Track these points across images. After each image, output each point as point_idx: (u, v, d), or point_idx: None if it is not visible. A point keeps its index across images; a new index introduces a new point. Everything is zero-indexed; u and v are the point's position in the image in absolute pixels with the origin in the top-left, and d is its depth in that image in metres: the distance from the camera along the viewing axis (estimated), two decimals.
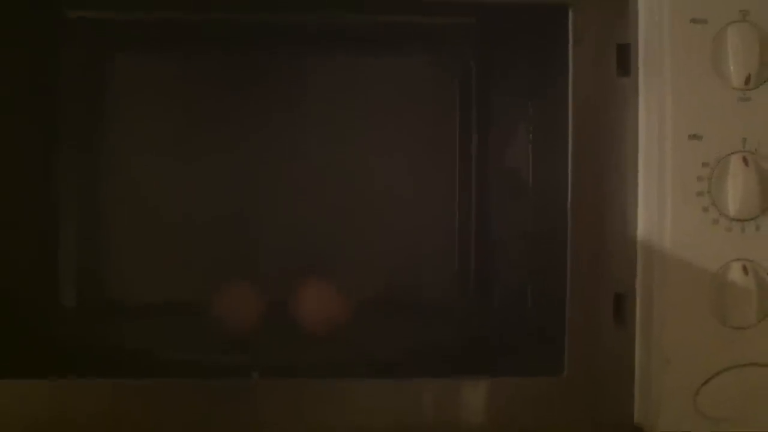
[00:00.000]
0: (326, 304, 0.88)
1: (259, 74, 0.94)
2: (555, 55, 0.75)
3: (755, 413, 0.71)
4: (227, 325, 0.85)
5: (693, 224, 0.71)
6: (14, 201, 0.83)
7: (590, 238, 0.73)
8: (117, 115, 0.94)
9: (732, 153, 0.70)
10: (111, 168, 0.94)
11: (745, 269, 0.70)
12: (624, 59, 0.73)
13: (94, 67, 0.94)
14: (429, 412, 0.74)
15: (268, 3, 0.83)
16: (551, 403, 0.74)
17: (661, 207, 0.71)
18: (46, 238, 0.90)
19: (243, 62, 0.94)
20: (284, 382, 0.74)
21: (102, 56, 0.93)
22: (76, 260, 0.92)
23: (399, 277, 0.94)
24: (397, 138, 0.95)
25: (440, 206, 0.96)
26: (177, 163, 0.94)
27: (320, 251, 0.93)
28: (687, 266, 0.71)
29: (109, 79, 0.94)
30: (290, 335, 0.85)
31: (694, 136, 0.70)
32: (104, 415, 0.72)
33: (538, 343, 0.79)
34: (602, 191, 0.73)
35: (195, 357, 0.79)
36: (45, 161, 0.90)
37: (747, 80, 0.69)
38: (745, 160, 0.69)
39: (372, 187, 0.94)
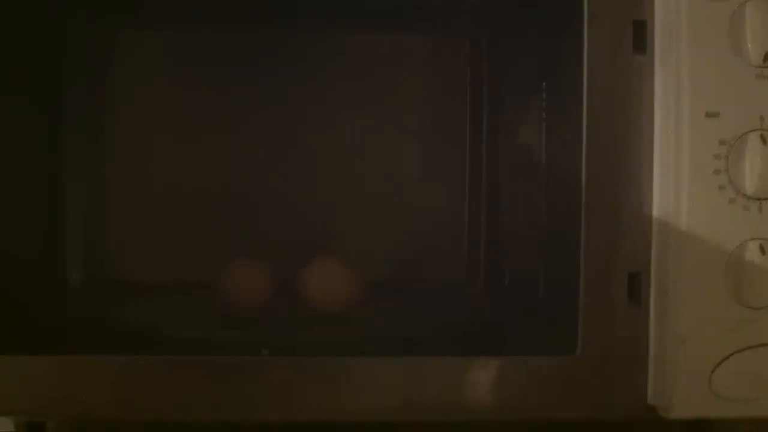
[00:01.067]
0: (335, 284, 0.87)
1: (266, 52, 0.94)
2: (569, 33, 0.74)
3: None
4: (235, 303, 0.85)
5: (709, 203, 0.70)
6: (21, 182, 0.82)
7: (604, 217, 0.72)
8: (123, 93, 0.94)
9: (750, 131, 0.69)
10: (117, 147, 0.94)
11: (762, 249, 0.69)
12: (640, 36, 0.72)
13: (99, 45, 0.94)
14: (438, 391, 0.73)
15: None
16: (563, 383, 0.73)
17: (677, 185, 0.70)
18: (53, 218, 0.89)
19: (249, 40, 0.94)
20: (292, 359, 0.73)
21: (107, 33, 0.93)
22: (83, 239, 0.92)
23: (408, 258, 0.94)
24: (407, 118, 0.95)
25: (450, 187, 0.96)
26: (183, 141, 0.94)
27: (329, 231, 0.93)
28: (703, 245, 0.70)
29: (114, 56, 0.94)
30: (298, 314, 0.85)
31: (711, 114, 0.69)
32: (110, 392, 0.72)
33: (550, 324, 0.78)
34: (617, 170, 0.72)
35: (203, 334, 0.79)
36: (51, 141, 0.89)
37: (765, 57, 0.69)
38: (763, 138, 0.69)
39: (382, 167, 0.94)
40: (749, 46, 0.69)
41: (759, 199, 0.69)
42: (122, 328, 0.81)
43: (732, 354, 0.70)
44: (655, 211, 0.72)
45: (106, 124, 0.94)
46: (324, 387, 0.73)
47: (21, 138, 0.82)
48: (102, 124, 0.93)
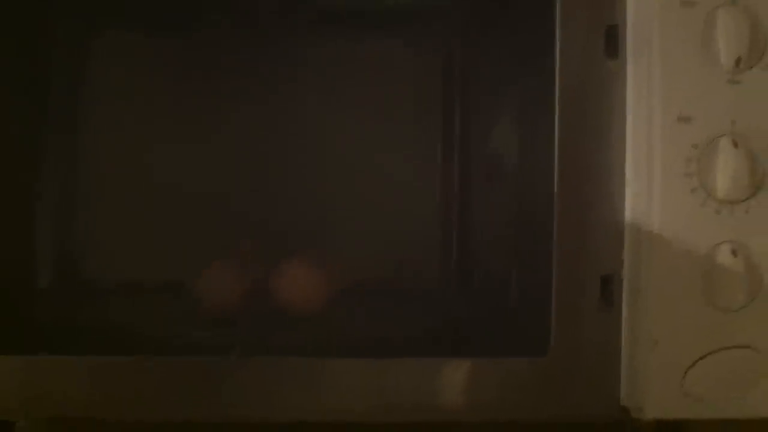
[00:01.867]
0: (307, 285, 0.87)
1: (243, 55, 0.93)
2: (541, 37, 0.74)
3: (743, 396, 0.71)
4: (208, 304, 0.84)
5: (681, 206, 0.70)
6: None
7: (576, 220, 0.73)
8: (101, 92, 0.92)
9: (721, 135, 0.70)
10: (91, 146, 0.93)
11: (734, 252, 0.70)
12: (612, 41, 0.72)
13: (78, 43, 0.92)
14: (410, 392, 0.73)
15: None
16: (535, 385, 0.73)
17: (649, 189, 0.71)
18: (23, 218, 0.88)
19: (227, 41, 0.93)
20: (267, 360, 0.73)
21: (85, 32, 0.92)
22: (54, 239, 0.91)
23: (383, 261, 0.94)
24: (381, 121, 0.94)
25: (423, 190, 0.96)
26: (157, 141, 0.93)
27: (302, 232, 0.92)
28: (675, 248, 0.70)
29: (91, 55, 0.93)
30: (271, 315, 0.85)
31: (683, 119, 0.70)
32: (82, 392, 0.72)
33: (523, 327, 0.78)
34: (589, 173, 0.73)
35: (175, 335, 0.78)
36: (24, 140, 0.88)
37: (737, 62, 0.69)
38: (734, 143, 0.69)
39: (356, 170, 0.93)
40: (721, 51, 0.70)
41: (730, 203, 0.70)
42: (95, 329, 0.80)
43: (704, 356, 0.70)
44: (628, 215, 0.72)
45: (79, 123, 0.92)
46: (299, 387, 0.73)
47: None
48: (77, 123, 0.92)
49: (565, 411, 0.73)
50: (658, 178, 0.71)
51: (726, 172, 0.69)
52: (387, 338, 0.79)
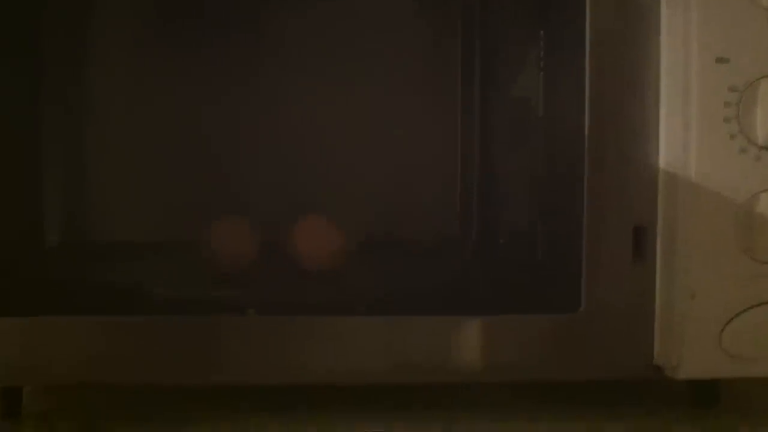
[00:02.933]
0: (324, 242, 0.84)
1: (252, 8, 0.89)
2: None
3: None
4: (220, 263, 0.81)
5: (719, 153, 0.67)
6: None
7: (608, 168, 0.69)
8: (103, 53, 0.89)
9: (762, 77, 0.66)
10: (96, 105, 0.89)
11: None
12: None
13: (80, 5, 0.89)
14: (431, 352, 0.71)
15: None
16: (566, 341, 0.70)
17: (685, 135, 0.67)
18: (30, 178, 0.85)
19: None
20: (278, 319, 0.70)
21: None
22: (61, 200, 0.88)
23: (400, 215, 0.91)
24: (397, 69, 0.91)
25: (442, 141, 0.92)
26: (166, 98, 0.89)
27: (318, 189, 0.89)
28: (712, 197, 0.67)
29: (95, 17, 0.89)
30: (286, 272, 0.82)
31: (721, 59, 0.66)
32: (90, 355, 0.69)
33: (551, 282, 0.75)
34: (622, 119, 0.69)
35: (188, 294, 0.76)
36: (27, 101, 0.84)
37: None
38: None
39: (370, 121, 0.90)
40: None
41: None
42: (103, 290, 0.77)
43: (744, 310, 0.67)
44: (662, 163, 0.68)
45: (85, 83, 0.89)
46: (311, 346, 0.70)
47: None
48: (80, 83, 0.89)
49: (595, 370, 0.70)
50: (694, 123, 0.67)
51: (767, 116, 0.65)
52: (407, 296, 0.76)
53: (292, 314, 0.71)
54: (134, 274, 0.81)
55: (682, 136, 0.67)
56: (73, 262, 0.86)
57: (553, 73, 0.77)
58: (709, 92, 0.66)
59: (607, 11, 0.69)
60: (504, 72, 0.86)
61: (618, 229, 0.69)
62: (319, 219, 0.84)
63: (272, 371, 0.70)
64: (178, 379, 0.70)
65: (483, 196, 0.90)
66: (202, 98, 0.89)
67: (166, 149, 0.90)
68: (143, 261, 0.85)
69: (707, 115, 0.67)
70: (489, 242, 0.88)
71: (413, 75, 0.91)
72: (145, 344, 0.69)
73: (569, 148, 0.71)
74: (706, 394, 0.73)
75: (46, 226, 0.87)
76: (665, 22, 0.68)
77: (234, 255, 0.82)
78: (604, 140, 0.69)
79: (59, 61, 0.87)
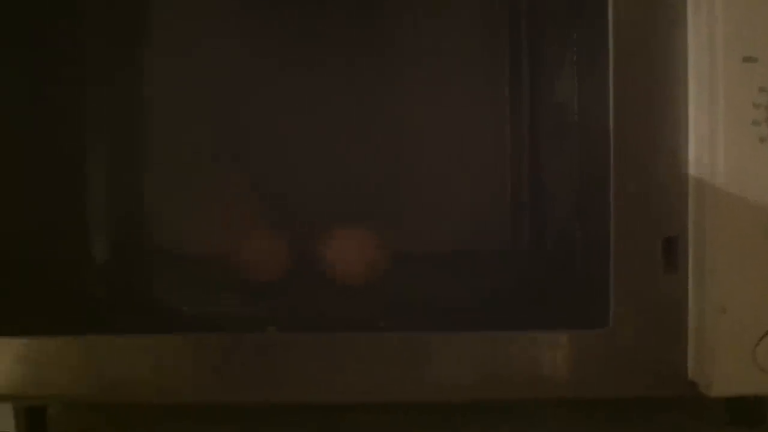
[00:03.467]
0: (366, 254, 0.82)
1: (303, 9, 0.88)
2: None
3: None
4: (251, 276, 0.80)
5: (749, 157, 0.63)
6: (39, 148, 0.78)
7: (635, 175, 0.66)
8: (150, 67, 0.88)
9: None
10: (140, 118, 0.88)
11: None
12: None
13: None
14: (468, 367, 0.69)
15: None
16: (595, 359, 0.67)
17: (713, 139, 0.64)
18: (75, 188, 0.85)
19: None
20: (300, 336, 0.69)
21: None
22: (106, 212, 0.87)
23: (444, 226, 0.88)
24: (442, 72, 0.88)
25: (492, 147, 0.89)
26: (209, 104, 0.88)
27: (361, 197, 0.87)
28: (744, 204, 0.63)
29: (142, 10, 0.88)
30: (319, 287, 0.80)
31: (749, 58, 0.63)
32: (112, 373, 0.69)
33: (585, 294, 0.72)
34: (648, 123, 0.66)
35: (214, 311, 0.75)
36: (72, 106, 0.84)
37: None
38: None
39: (417, 128, 0.88)
40: None
41: None
42: (145, 305, 0.78)
43: None
44: (691, 169, 0.66)
45: (130, 88, 0.88)
46: (353, 366, 0.69)
47: (39, 102, 0.78)
48: (125, 89, 0.88)
49: (626, 387, 0.67)
50: (722, 126, 0.64)
51: None
52: (443, 309, 0.75)
53: (322, 330, 0.70)
54: (162, 289, 0.81)
55: (710, 141, 0.64)
56: (119, 277, 0.86)
57: (584, 75, 0.74)
58: (736, 93, 0.63)
59: (631, 8, 0.66)
60: (547, 77, 0.83)
61: (647, 239, 0.66)
62: (355, 231, 0.82)
63: (293, 390, 0.69)
64: (199, 398, 0.70)
65: (534, 204, 0.87)
66: (245, 104, 0.88)
67: (205, 161, 0.89)
68: (173, 275, 0.84)
69: (735, 118, 0.63)
70: (539, 250, 0.85)
71: (459, 78, 0.89)
72: (166, 363, 0.69)
73: (597, 152, 0.68)
74: (745, 412, 0.70)
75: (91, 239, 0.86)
76: (691, 20, 0.65)
77: (266, 269, 0.81)
78: (628, 145, 0.66)
79: (106, 61, 0.86)
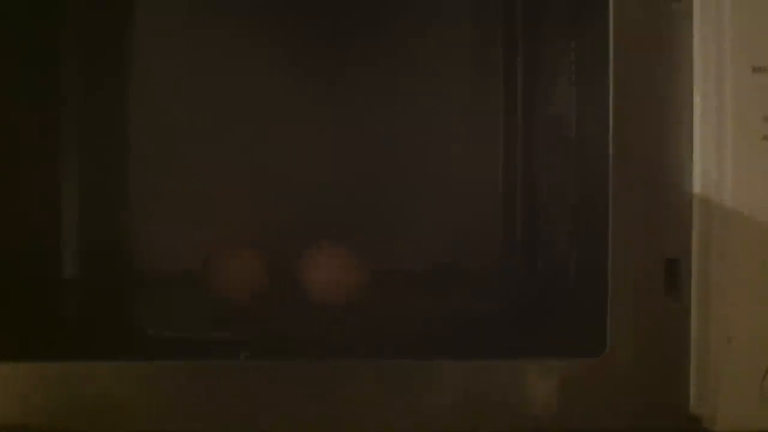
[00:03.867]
0: (346, 274, 0.78)
1: (286, 20, 0.85)
2: None
3: None
4: (225, 298, 0.76)
5: (759, 175, 0.59)
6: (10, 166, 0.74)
7: (636, 194, 0.62)
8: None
9: None
10: (114, 133, 0.86)
11: None
12: None
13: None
14: (451, 397, 0.64)
15: None
16: (591, 389, 0.62)
17: (721, 155, 0.60)
18: (47, 208, 0.82)
19: (271, 10, 0.85)
20: (272, 365, 0.64)
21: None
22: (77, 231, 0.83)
23: (433, 244, 0.85)
24: (435, 90, 0.85)
25: (483, 163, 0.87)
26: (185, 121, 0.85)
27: (344, 215, 0.84)
28: (752, 226, 0.59)
29: (120, 27, 0.85)
30: (296, 309, 0.76)
31: (759, 68, 0.59)
32: (90, 402, 0.64)
33: (579, 319, 0.68)
34: (650, 138, 0.62)
35: (185, 335, 0.71)
36: (43, 123, 0.81)
37: None
38: None
39: (404, 143, 0.85)
40: None
41: None
42: (110, 326, 0.73)
43: None
44: (696, 187, 0.61)
45: (107, 106, 0.85)
46: (329, 395, 0.64)
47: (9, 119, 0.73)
48: (98, 107, 0.85)
49: (623, 421, 0.62)
50: (730, 141, 0.60)
51: None
52: (425, 334, 0.71)
53: (298, 356, 0.65)
54: (129, 310, 0.76)
55: (717, 157, 0.60)
56: (89, 297, 0.82)
57: (581, 87, 0.70)
58: (745, 106, 0.59)
59: (633, 16, 0.62)
60: (542, 91, 0.80)
61: (648, 262, 0.62)
62: (334, 248, 0.78)
63: (266, 420, 0.64)
64: (162, 428, 0.65)
65: (525, 222, 0.83)
66: (223, 120, 0.85)
67: (177, 176, 0.85)
68: (140, 296, 0.79)
69: (745, 133, 0.59)
70: (530, 271, 0.81)
71: (449, 91, 0.86)
72: (127, 391, 0.64)
73: (595, 169, 0.64)
74: None
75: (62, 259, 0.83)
76: (697, 28, 0.61)
77: (241, 289, 0.76)
78: (629, 161, 0.62)
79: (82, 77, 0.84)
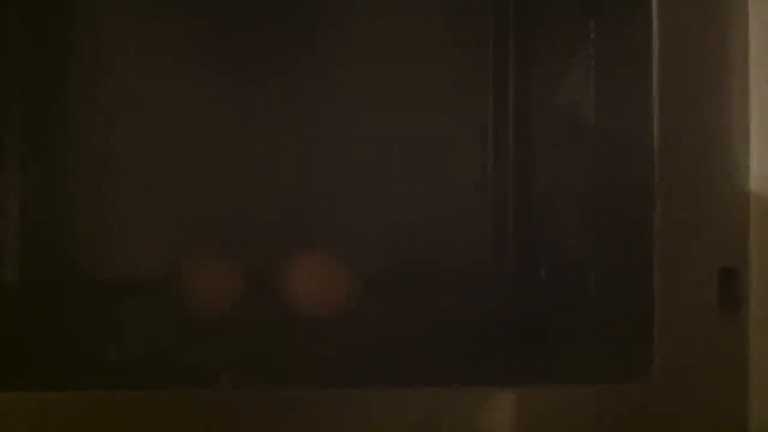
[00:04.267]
0: (326, 284, 0.70)
1: (254, 12, 0.78)
2: None
3: None
4: (196, 311, 0.67)
5: None
6: None
7: (686, 196, 0.56)
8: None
9: None
10: (63, 127, 0.77)
11: None
12: None
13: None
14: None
15: None
16: (634, 417, 0.56)
17: None
18: None
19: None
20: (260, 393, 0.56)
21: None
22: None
23: (417, 248, 0.77)
24: (414, 72, 0.78)
25: (468, 159, 0.79)
26: (142, 114, 0.77)
27: (320, 217, 0.76)
28: None
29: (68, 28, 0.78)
30: (278, 323, 0.68)
31: None
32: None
33: (608, 336, 0.61)
34: (702, 133, 0.56)
35: (149, 356, 0.63)
36: None
37: None
38: None
39: (383, 135, 0.77)
40: None
41: None
42: (51, 346, 0.64)
43: None
44: (754, 186, 0.56)
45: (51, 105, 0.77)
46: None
47: None
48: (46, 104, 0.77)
49: None
50: None
51: None
52: (423, 355, 0.63)
53: (282, 381, 0.57)
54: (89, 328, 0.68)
55: None
56: (33, 306, 0.74)
57: (608, 73, 0.64)
58: None
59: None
60: (545, 73, 0.74)
61: (700, 272, 0.56)
62: (320, 255, 0.70)
63: None
64: None
65: (521, 220, 0.77)
66: (183, 114, 0.78)
67: (142, 173, 0.78)
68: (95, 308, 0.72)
69: None
70: (528, 279, 0.74)
71: (434, 76, 0.79)
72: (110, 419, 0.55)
73: (632, 166, 0.59)
74: None
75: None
76: (754, 12, 0.55)
77: (214, 300, 0.68)
78: (678, 158, 0.56)
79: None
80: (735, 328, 0.56)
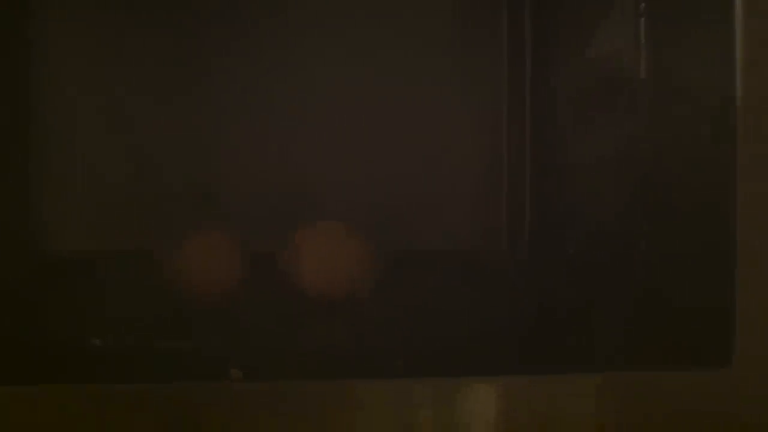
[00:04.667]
0: (336, 262, 0.63)
1: None
2: None
3: None
4: (192, 292, 0.61)
5: None
6: None
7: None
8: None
9: None
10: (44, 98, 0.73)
11: None
12: None
13: None
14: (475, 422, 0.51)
15: None
16: (710, 407, 0.51)
17: None
18: None
19: None
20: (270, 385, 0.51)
21: None
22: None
23: (428, 232, 0.74)
24: (423, 44, 0.75)
25: (484, 138, 0.75)
26: (127, 79, 0.73)
27: (323, 198, 0.72)
28: None
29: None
30: (281, 305, 0.63)
31: None
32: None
33: (667, 319, 0.55)
34: None
35: (143, 345, 0.56)
36: None
37: None
38: None
39: (394, 114, 0.74)
40: None
41: None
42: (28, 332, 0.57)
43: None
44: None
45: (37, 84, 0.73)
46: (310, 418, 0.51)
47: None
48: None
49: None
50: None
51: None
52: (437, 345, 0.57)
53: (285, 375, 0.52)
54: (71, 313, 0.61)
55: None
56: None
57: (668, 18, 0.57)
58: None
59: None
60: (573, 18, 0.68)
61: None
62: (330, 225, 0.64)
63: None
64: None
65: (538, 205, 0.73)
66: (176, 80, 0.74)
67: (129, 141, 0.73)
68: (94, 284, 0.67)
69: None
70: (552, 257, 0.70)
71: (444, 47, 0.75)
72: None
73: (699, 125, 0.53)
74: None
75: None
76: None
77: (212, 280, 0.62)
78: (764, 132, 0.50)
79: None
80: None
